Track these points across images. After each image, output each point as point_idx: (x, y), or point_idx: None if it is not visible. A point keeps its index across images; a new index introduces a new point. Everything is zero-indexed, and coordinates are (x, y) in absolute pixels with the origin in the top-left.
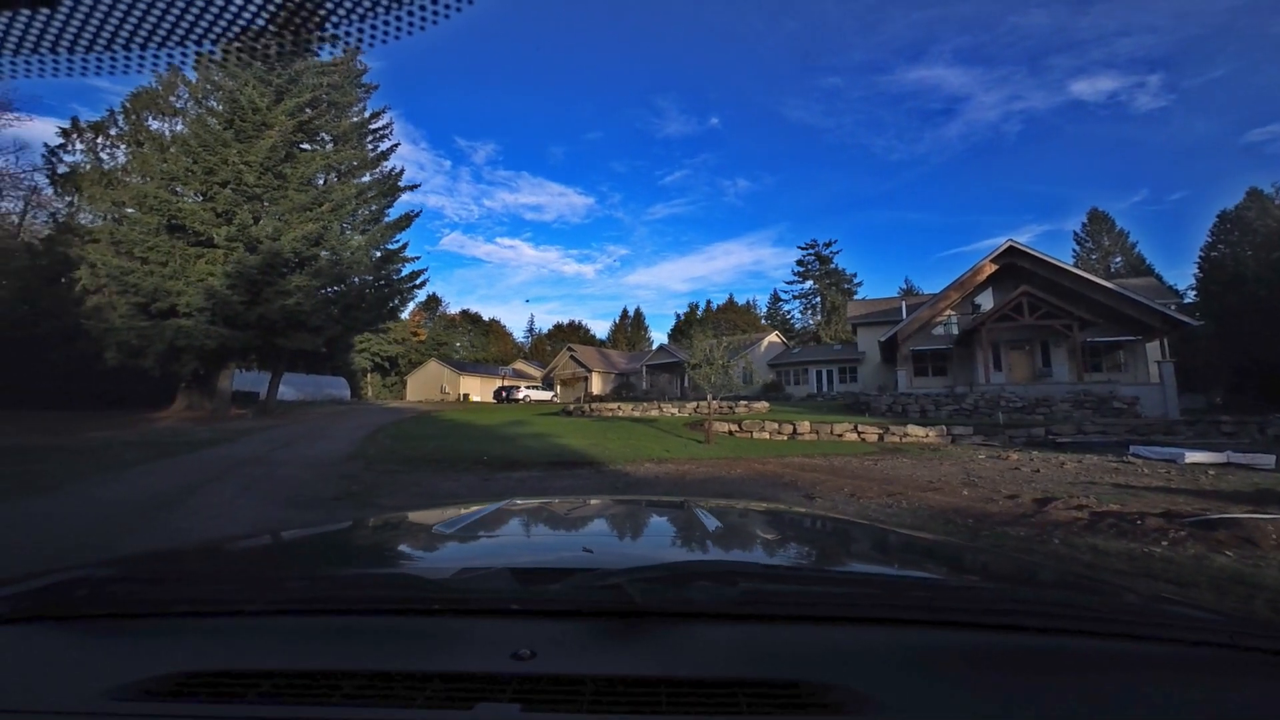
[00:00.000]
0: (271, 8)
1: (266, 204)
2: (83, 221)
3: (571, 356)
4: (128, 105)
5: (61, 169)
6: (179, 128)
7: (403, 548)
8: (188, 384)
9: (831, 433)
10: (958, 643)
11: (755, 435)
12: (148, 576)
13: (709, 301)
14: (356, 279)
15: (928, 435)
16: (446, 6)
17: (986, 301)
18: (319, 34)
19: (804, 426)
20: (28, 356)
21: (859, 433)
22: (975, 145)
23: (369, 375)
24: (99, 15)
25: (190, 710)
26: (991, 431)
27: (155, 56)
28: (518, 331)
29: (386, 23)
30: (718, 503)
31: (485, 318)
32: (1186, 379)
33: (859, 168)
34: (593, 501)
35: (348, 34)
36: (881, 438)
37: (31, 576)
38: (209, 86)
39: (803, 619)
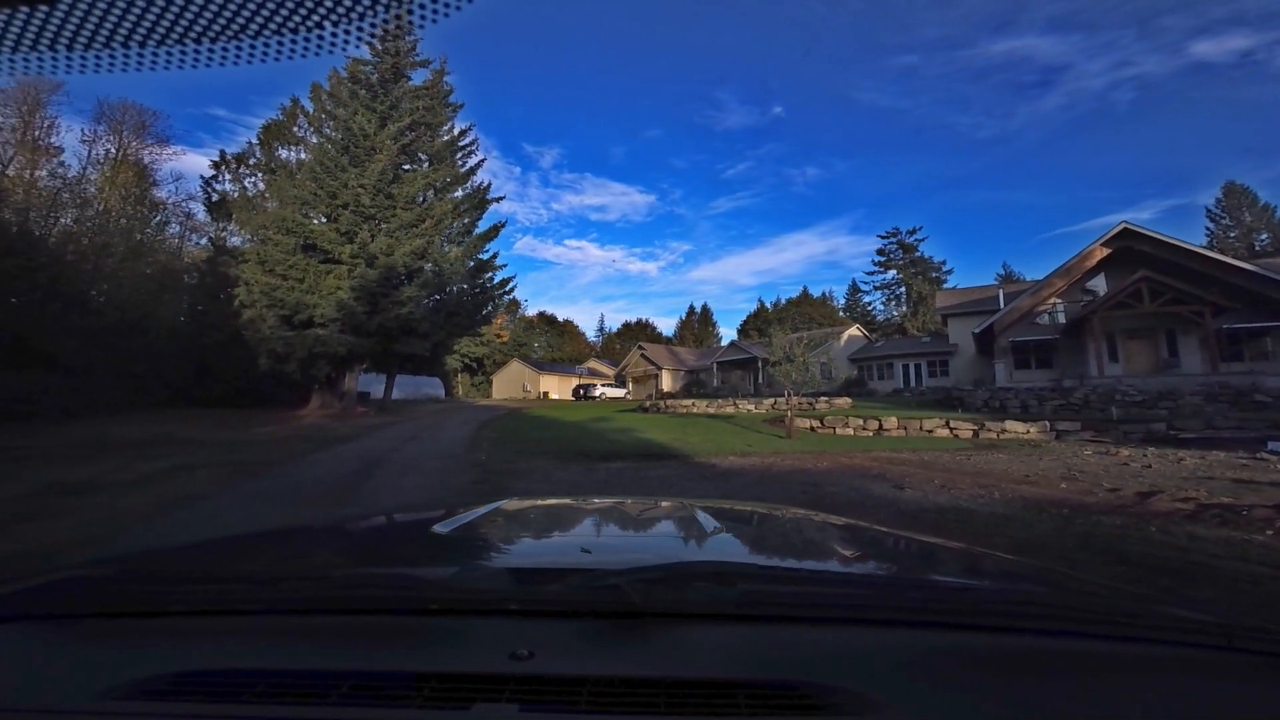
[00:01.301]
0: (269, 7)
1: (379, 223)
2: (234, 243)
3: (642, 355)
4: (261, 137)
5: (215, 197)
6: (304, 155)
7: (401, 547)
8: (320, 385)
9: (921, 429)
10: (957, 644)
11: (838, 431)
12: (145, 576)
13: (784, 298)
14: (454, 288)
15: (1028, 431)
16: (446, 5)
17: (1099, 288)
18: (318, 33)
19: (890, 422)
20: (195, 363)
21: (951, 429)
22: (1079, 117)
23: (459, 375)
24: (97, 13)
25: (187, 710)
26: (1103, 427)
27: (154, 55)
28: (589, 331)
29: (385, 20)
30: (718, 503)
31: (559, 318)
32: None
33: (942, 148)
34: (592, 501)
35: (346, 33)
36: (976, 434)
37: (29, 575)
38: (324, 115)
39: (801, 620)
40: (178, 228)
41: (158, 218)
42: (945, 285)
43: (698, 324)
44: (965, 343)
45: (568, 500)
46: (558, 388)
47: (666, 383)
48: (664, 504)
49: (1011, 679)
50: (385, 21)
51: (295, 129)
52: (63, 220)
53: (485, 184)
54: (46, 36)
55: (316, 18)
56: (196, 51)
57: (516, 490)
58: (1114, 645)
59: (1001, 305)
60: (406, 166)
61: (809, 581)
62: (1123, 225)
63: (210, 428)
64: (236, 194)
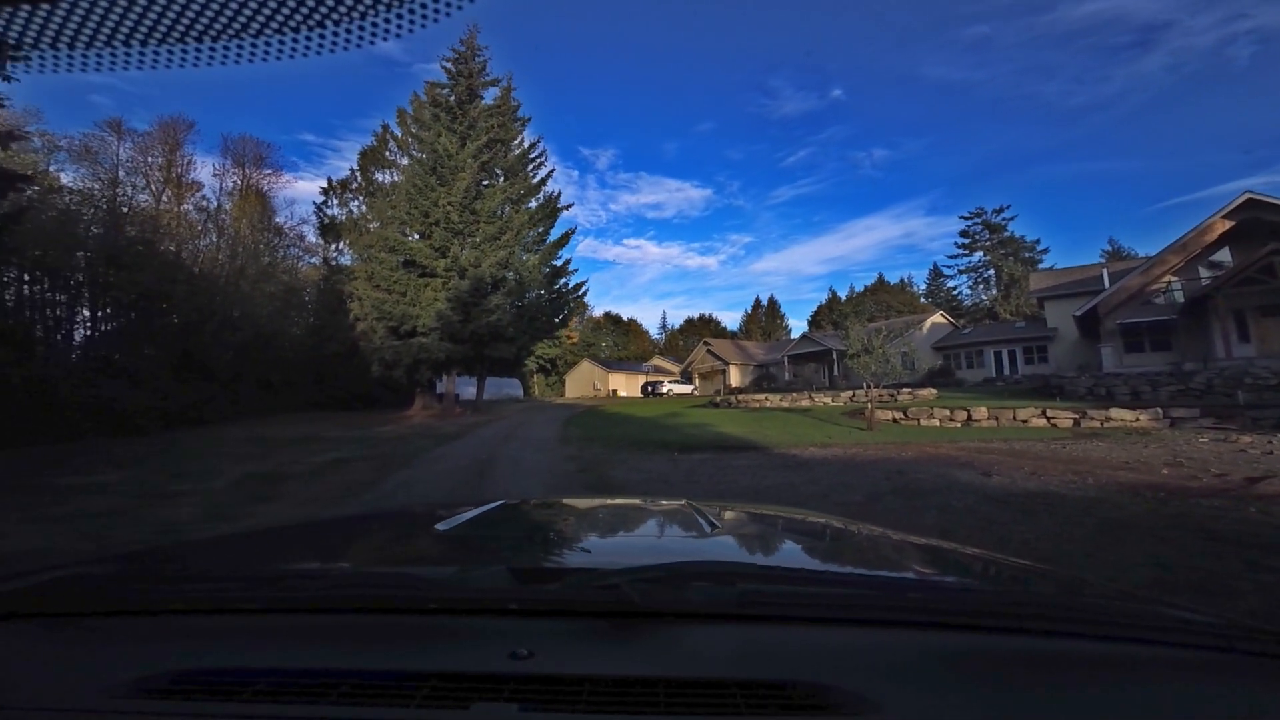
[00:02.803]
0: (270, 7)
1: (466, 237)
2: (343, 262)
3: (708, 351)
4: (360, 163)
5: (325, 221)
6: (397, 178)
7: (401, 546)
8: (421, 389)
9: (1014, 418)
10: (955, 645)
11: (923, 422)
12: (145, 574)
13: (858, 286)
14: (533, 294)
15: (1137, 419)
16: (447, 5)
17: (1225, 261)
18: (319, 33)
19: (980, 412)
20: (315, 371)
21: (1048, 418)
22: (1187, 78)
23: (535, 376)
24: (98, 12)
25: (187, 709)
26: (1228, 414)
27: (155, 54)
28: (652, 328)
29: (387, 20)
30: (718, 504)
31: (623, 318)
32: None
33: (1027, 119)
34: (592, 502)
35: (348, 32)
36: (1077, 423)
37: (29, 573)
38: (410, 139)
39: (801, 620)
40: (293, 249)
41: (280, 242)
42: (1040, 266)
43: (765, 317)
44: (1066, 326)
45: (568, 500)
46: (625, 385)
47: (734, 378)
48: (664, 504)
49: (1011, 680)
50: (386, 21)
51: (387, 153)
52: (204, 247)
53: (556, 193)
54: (48, 35)
55: (317, 17)
56: (198, 50)
57: (615, 477)
58: (1114, 646)
59: (1107, 285)
60: (485, 182)
61: (808, 581)
62: (1246, 195)
63: (341, 427)
64: (344, 217)
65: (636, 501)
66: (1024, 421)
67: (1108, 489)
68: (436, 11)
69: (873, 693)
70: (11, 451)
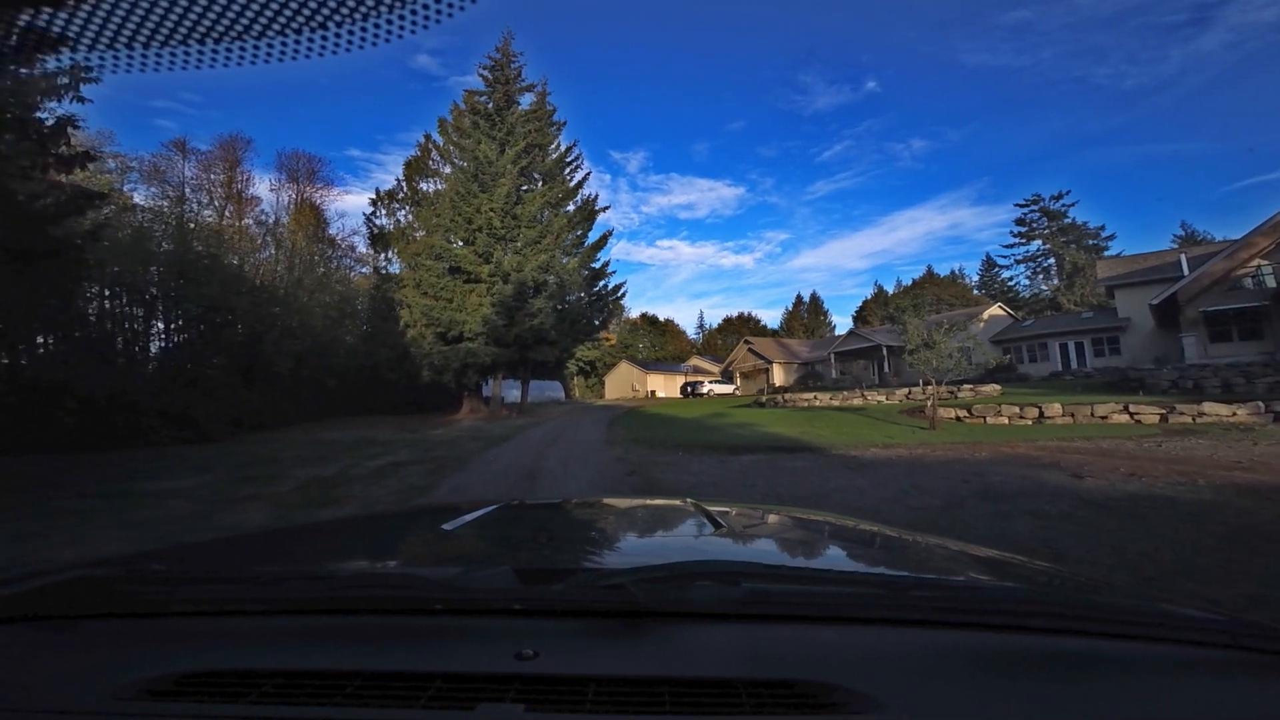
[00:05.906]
0: (273, 8)
1: (509, 242)
2: (394, 271)
3: (750, 349)
4: (405, 173)
5: (375, 231)
6: (441, 186)
7: (405, 547)
8: (469, 392)
9: (1092, 415)
10: (960, 643)
11: (990, 420)
12: (150, 576)
13: (905, 279)
14: (573, 297)
15: (1235, 414)
16: (450, 5)
17: None
18: (321, 34)
19: (1054, 409)
20: (369, 377)
21: (1130, 414)
22: (1251, 54)
23: (575, 378)
24: (99, 15)
25: (191, 710)
26: None
27: (158, 55)
28: (689, 328)
29: (389, 21)
30: (722, 503)
31: (660, 318)
32: None
33: (1077, 103)
34: (597, 501)
35: (350, 33)
36: (1165, 419)
37: (34, 576)
38: (451, 147)
39: (806, 619)
40: (345, 260)
41: (333, 253)
42: (1107, 253)
43: (807, 313)
44: (1139, 316)
45: (572, 500)
46: (664, 386)
47: (778, 376)
48: (668, 504)
49: (1015, 679)
50: (388, 21)
51: (430, 163)
52: (264, 259)
53: (593, 196)
54: (50, 37)
55: (320, 18)
56: (200, 53)
57: (665, 479)
58: (1117, 645)
59: (1185, 271)
60: (525, 187)
61: (813, 580)
62: None
63: (394, 431)
64: (391, 227)
65: (641, 501)
66: (1103, 418)
67: (1224, 491)
68: (439, 12)
69: (879, 692)
70: (99, 457)
